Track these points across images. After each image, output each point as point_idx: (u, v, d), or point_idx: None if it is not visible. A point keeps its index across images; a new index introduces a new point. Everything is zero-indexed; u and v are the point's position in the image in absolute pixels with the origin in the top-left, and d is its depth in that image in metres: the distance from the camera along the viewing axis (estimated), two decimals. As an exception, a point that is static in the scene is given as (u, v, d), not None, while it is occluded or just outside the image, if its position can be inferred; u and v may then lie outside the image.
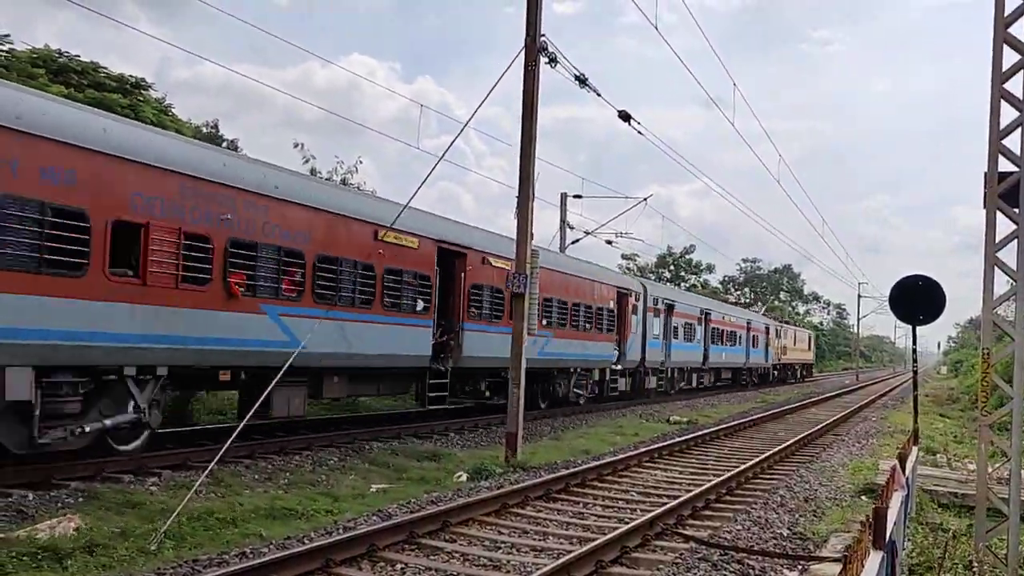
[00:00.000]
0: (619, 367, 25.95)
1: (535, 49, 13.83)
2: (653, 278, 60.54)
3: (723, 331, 39.27)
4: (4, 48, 20.89)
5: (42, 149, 9.18)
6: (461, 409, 19.99)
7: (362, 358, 14.17)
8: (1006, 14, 10.27)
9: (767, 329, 48.77)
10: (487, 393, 19.37)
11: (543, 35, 13.91)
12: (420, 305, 15.52)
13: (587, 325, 23.23)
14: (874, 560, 4.90)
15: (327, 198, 13.71)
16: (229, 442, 10.08)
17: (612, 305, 25.16)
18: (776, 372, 51.87)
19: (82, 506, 8.68)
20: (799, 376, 59.59)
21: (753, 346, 44.89)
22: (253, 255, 11.93)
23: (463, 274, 17.10)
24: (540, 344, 19.94)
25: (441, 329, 16.66)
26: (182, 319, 10.85)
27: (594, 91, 15.56)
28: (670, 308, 31.05)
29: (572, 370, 23.03)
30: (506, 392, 14.21)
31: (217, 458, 9.76)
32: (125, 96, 22.32)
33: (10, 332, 8.84)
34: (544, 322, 20.24)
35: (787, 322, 61.36)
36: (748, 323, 44.16)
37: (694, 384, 36.29)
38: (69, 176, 9.48)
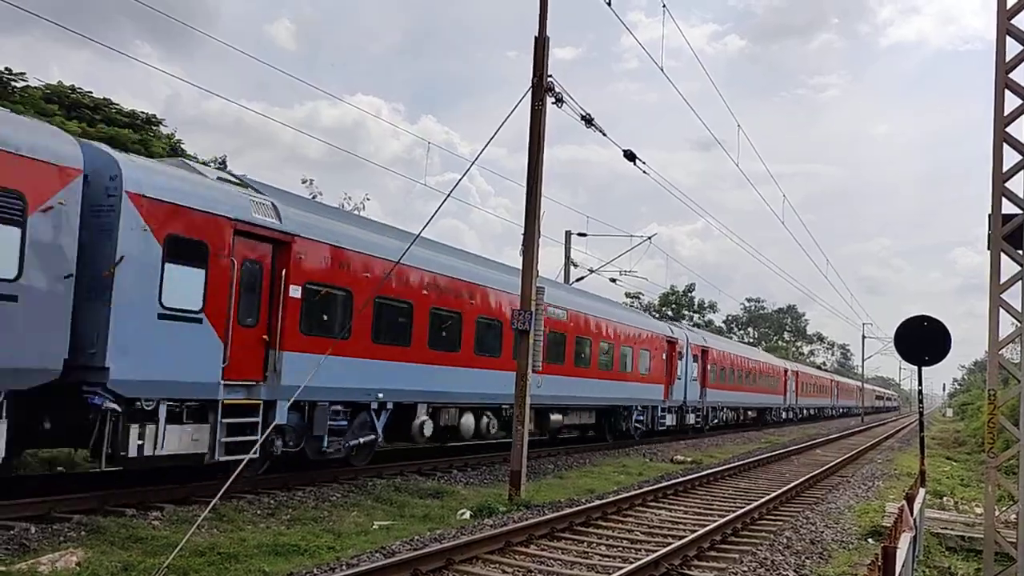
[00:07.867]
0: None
1: (542, 89, 14.03)
2: (656, 316, 61.14)
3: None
4: (19, 85, 21.26)
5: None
6: (465, 447, 19.95)
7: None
8: (1007, 60, 10.43)
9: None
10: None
11: (550, 76, 14.13)
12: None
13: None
14: (883, 602, 4.86)
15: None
16: (233, 477, 10.01)
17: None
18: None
19: (84, 540, 8.63)
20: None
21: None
22: None
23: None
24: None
25: None
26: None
27: (600, 131, 15.76)
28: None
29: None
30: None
31: (220, 493, 9.70)
32: (136, 131, 22.65)
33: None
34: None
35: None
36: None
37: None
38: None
